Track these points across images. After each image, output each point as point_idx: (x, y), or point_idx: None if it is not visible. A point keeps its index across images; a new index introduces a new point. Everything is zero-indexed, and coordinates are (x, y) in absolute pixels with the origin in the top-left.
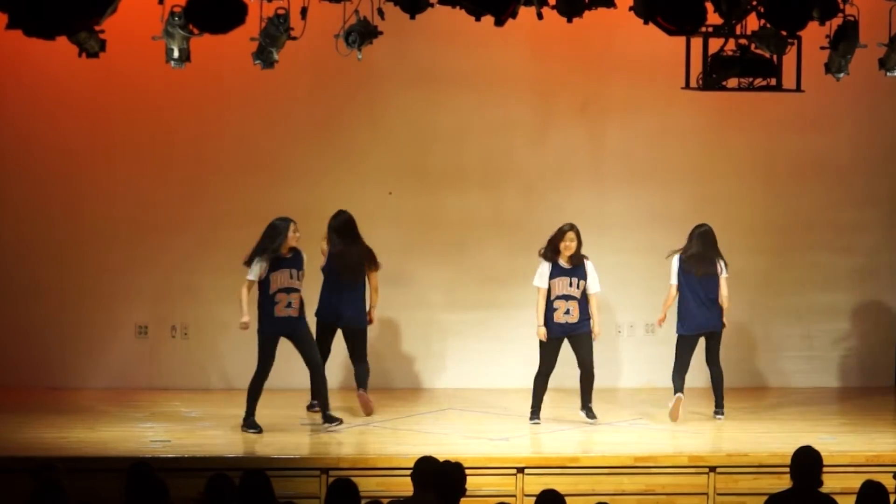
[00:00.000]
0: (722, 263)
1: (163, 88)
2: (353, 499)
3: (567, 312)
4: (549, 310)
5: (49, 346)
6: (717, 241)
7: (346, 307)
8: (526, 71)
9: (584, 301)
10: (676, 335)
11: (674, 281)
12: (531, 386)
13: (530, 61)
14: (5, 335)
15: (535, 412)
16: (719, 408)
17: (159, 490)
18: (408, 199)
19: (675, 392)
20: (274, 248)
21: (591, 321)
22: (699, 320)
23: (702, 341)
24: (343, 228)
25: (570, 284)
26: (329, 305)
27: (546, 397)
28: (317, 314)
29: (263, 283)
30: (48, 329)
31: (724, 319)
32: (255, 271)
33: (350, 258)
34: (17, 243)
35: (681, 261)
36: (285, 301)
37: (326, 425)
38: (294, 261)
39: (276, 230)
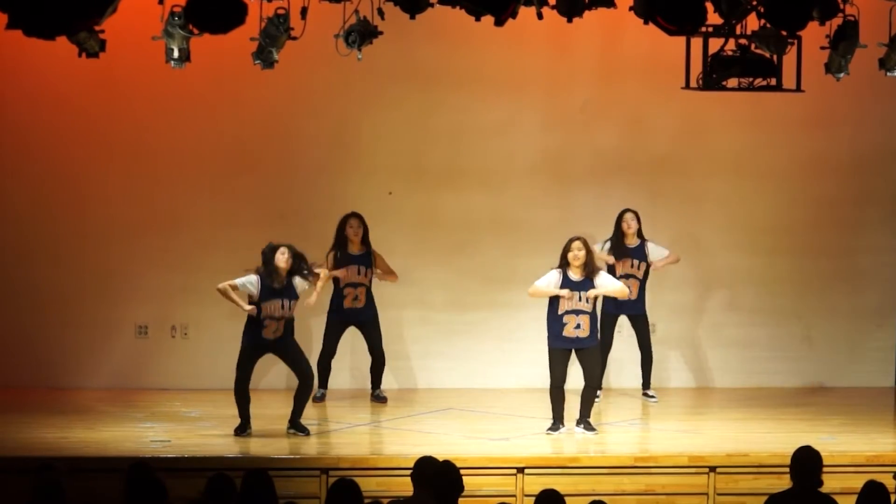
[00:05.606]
0: (648, 246)
1: (163, 88)
2: (355, 499)
3: (577, 327)
4: (559, 323)
5: (49, 346)
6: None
7: (355, 302)
8: (526, 71)
9: (594, 315)
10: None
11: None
12: (531, 386)
13: (530, 61)
14: (5, 335)
15: (556, 422)
16: (646, 388)
17: (159, 490)
18: (408, 199)
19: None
20: (269, 275)
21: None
22: (617, 301)
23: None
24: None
25: (580, 299)
26: (339, 306)
27: (543, 397)
28: (329, 314)
29: (256, 306)
30: (48, 329)
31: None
32: (245, 282)
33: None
34: (17, 243)
35: (610, 247)
36: (273, 327)
37: (292, 431)
38: (287, 291)
39: (266, 258)
